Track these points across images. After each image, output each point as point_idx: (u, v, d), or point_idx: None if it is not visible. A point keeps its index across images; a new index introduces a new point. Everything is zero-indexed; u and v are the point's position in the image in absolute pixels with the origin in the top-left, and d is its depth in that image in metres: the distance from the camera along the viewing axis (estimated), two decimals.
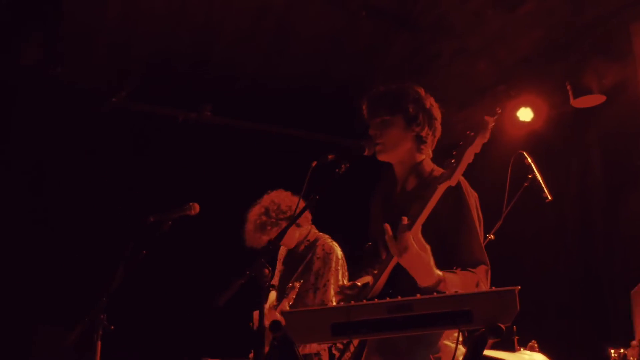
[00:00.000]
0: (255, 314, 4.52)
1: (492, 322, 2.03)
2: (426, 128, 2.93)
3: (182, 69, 6.44)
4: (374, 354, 2.85)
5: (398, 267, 2.58)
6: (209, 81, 6.66)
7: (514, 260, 6.28)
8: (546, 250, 6.19)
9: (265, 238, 4.53)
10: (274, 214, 4.51)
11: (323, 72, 6.57)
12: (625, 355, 3.34)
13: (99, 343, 3.62)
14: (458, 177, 2.50)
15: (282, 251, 4.76)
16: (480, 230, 2.80)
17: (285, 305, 4.18)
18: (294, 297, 4.09)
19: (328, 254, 4.39)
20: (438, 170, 2.88)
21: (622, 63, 5.50)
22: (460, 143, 2.51)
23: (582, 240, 6.02)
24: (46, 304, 5.51)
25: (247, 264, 2.71)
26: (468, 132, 2.51)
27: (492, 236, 4.33)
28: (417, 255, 2.47)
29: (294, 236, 4.55)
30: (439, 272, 2.52)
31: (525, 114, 6.31)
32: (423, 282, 2.51)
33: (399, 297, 2.07)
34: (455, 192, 2.72)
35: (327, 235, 4.57)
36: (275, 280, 4.74)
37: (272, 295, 4.72)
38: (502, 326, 2.02)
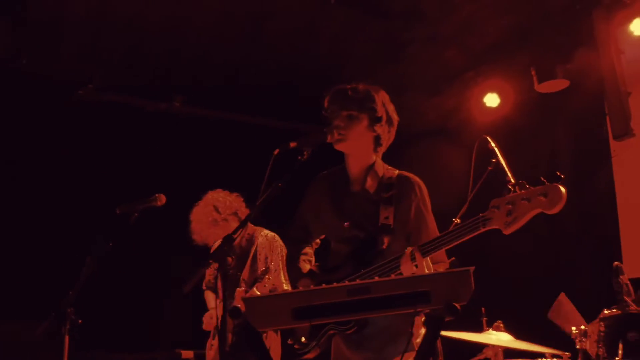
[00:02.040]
0: (206, 315, 4.65)
1: (449, 301, 2.07)
2: (385, 131, 3.11)
3: (153, 59, 6.39)
4: (344, 350, 2.97)
5: None
6: (179, 72, 6.63)
7: (481, 243, 6.36)
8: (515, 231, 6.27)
9: (219, 232, 4.73)
10: (222, 211, 4.78)
11: (294, 62, 6.57)
12: (585, 331, 3.40)
13: (67, 337, 3.61)
14: (513, 230, 2.53)
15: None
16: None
17: (254, 292, 4.26)
18: (244, 287, 4.22)
19: (272, 242, 4.64)
20: (389, 170, 3.11)
21: (585, 48, 5.58)
22: (523, 190, 2.50)
23: (551, 221, 6.11)
24: (12, 298, 5.47)
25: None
26: (536, 189, 2.48)
27: (458, 220, 4.38)
28: None
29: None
30: None
31: (492, 100, 6.38)
32: None
33: None
34: (419, 195, 3.02)
35: (261, 227, 4.79)
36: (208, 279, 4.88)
37: (210, 295, 4.88)
38: (458, 305, 2.07)
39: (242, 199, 4.88)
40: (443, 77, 6.78)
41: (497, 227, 2.53)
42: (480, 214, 2.59)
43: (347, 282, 2.16)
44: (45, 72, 6.26)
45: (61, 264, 5.02)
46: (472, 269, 2.12)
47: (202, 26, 5.91)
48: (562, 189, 2.41)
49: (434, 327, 2.16)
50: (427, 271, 2.64)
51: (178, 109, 6.97)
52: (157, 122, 6.77)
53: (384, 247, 2.90)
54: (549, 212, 2.45)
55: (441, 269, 2.83)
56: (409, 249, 2.69)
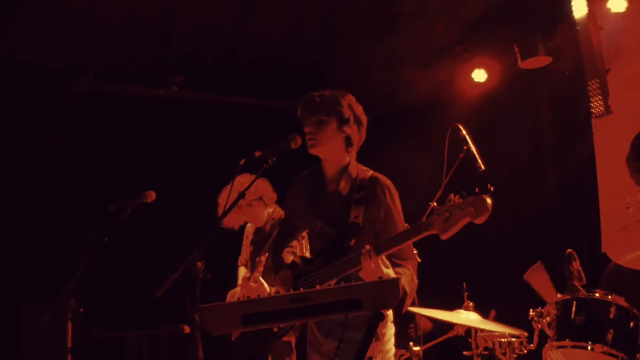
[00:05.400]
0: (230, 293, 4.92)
1: (377, 308, 2.36)
2: (355, 131, 3.33)
3: (147, 44, 6.54)
4: (317, 335, 3.28)
5: None
6: (176, 56, 6.80)
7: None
8: (499, 205, 6.48)
9: (243, 217, 5.02)
10: (246, 196, 4.85)
11: (288, 38, 6.72)
12: (542, 312, 3.65)
13: (70, 324, 3.96)
14: (448, 236, 2.79)
15: (250, 229, 5.17)
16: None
17: (256, 276, 4.55)
18: (262, 269, 4.47)
19: None
20: (363, 171, 3.34)
21: (566, 25, 5.71)
22: (458, 200, 2.74)
23: (535, 190, 6.33)
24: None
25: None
26: (466, 200, 2.72)
27: (435, 203, 4.62)
28: (385, 275, 2.91)
29: (263, 215, 5.01)
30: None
31: (479, 75, 6.56)
32: None
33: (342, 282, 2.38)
34: (388, 198, 3.25)
35: None
36: (244, 257, 5.16)
37: (242, 271, 5.16)
38: (384, 312, 2.36)
39: (268, 184, 5.06)
40: (434, 51, 6.93)
41: (436, 232, 2.78)
42: (423, 220, 2.85)
43: (291, 291, 2.45)
44: (41, 62, 6.42)
45: (61, 256, 5.33)
46: (400, 278, 2.42)
47: (194, 4, 6.05)
48: (488, 201, 2.67)
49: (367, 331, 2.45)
50: (382, 268, 2.92)
51: (177, 93, 7.13)
52: (156, 108, 6.95)
53: (352, 244, 3.16)
54: (476, 222, 2.71)
55: (405, 268, 3.13)
56: (367, 247, 2.96)
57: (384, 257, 2.98)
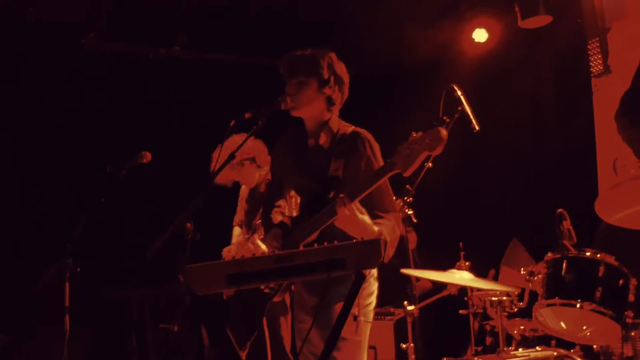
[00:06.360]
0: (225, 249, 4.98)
1: (360, 268, 2.40)
2: (336, 91, 3.32)
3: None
4: (302, 293, 3.34)
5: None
6: (181, 11, 6.75)
7: (470, 179, 6.64)
8: (500, 164, 6.51)
9: (234, 175, 5.03)
10: (237, 155, 4.88)
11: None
12: (532, 271, 3.69)
13: (67, 284, 4.04)
14: (411, 171, 2.87)
15: (244, 190, 5.20)
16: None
17: (255, 239, 4.59)
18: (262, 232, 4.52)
19: None
20: (344, 127, 3.34)
21: None
22: (415, 136, 2.83)
23: (535, 150, 6.34)
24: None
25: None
26: (421, 135, 2.82)
27: (430, 164, 4.63)
28: (361, 223, 2.97)
29: (254, 177, 5.06)
30: (376, 229, 3.01)
31: (480, 35, 6.49)
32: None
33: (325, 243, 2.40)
34: (369, 150, 3.23)
35: None
36: (239, 217, 5.21)
37: (237, 230, 5.21)
38: (365, 272, 2.40)
39: (263, 145, 5.05)
40: (437, 10, 6.87)
41: (399, 169, 2.87)
42: (388, 159, 2.95)
43: (276, 252, 2.49)
44: (47, 20, 6.43)
45: (58, 218, 5.39)
46: (382, 238, 2.47)
47: None
48: (443, 132, 2.76)
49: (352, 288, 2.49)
50: (357, 214, 2.96)
51: (179, 52, 7.11)
52: (158, 67, 6.93)
53: (331, 196, 3.15)
54: (432, 153, 2.81)
55: (386, 219, 3.14)
56: (341, 195, 2.97)
57: (358, 204, 2.99)
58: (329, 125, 3.34)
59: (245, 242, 4.62)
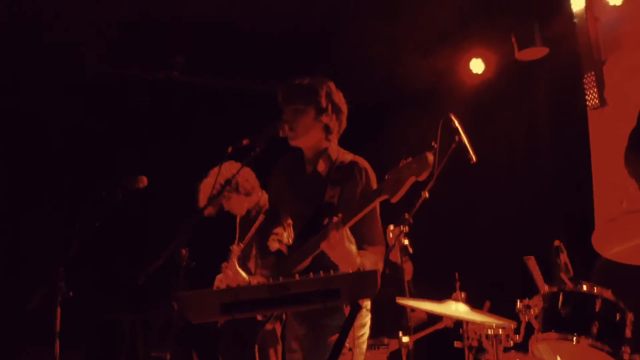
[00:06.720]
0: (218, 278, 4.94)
1: (355, 298, 2.37)
2: (334, 120, 3.34)
3: (147, 26, 6.52)
4: (292, 322, 3.32)
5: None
6: (181, 37, 6.77)
7: (463, 203, 6.62)
8: (494, 191, 6.50)
9: (225, 204, 4.98)
10: (230, 186, 4.80)
11: (288, 23, 6.68)
12: (529, 305, 3.66)
13: (59, 309, 3.98)
14: (399, 198, 2.88)
15: (239, 219, 5.17)
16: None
17: (234, 264, 4.54)
18: (235, 259, 4.45)
19: None
20: (343, 155, 3.35)
21: (563, 16, 5.68)
22: (404, 162, 2.87)
23: (531, 181, 6.33)
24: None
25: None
26: (409, 160, 2.86)
27: (427, 194, 4.61)
28: (347, 251, 2.96)
29: (243, 205, 4.98)
30: (358, 260, 3.00)
31: (477, 66, 6.53)
32: (345, 269, 2.92)
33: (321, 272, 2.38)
34: (364, 179, 3.26)
35: None
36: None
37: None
38: (361, 302, 2.37)
39: (249, 172, 4.96)
40: (435, 38, 6.90)
41: (387, 195, 2.88)
42: (377, 186, 2.99)
43: (270, 281, 2.45)
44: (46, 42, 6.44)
45: (50, 240, 5.34)
46: (378, 270, 2.44)
47: None
48: (430, 157, 2.80)
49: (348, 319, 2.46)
50: (346, 241, 2.95)
51: (177, 76, 7.12)
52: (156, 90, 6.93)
53: (325, 223, 3.10)
54: (418, 178, 2.83)
55: (368, 252, 3.14)
56: (335, 218, 2.96)
57: (349, 232, 2.99)
58: (328, 153, 3.34)
59: (225, 269, 4.58)
